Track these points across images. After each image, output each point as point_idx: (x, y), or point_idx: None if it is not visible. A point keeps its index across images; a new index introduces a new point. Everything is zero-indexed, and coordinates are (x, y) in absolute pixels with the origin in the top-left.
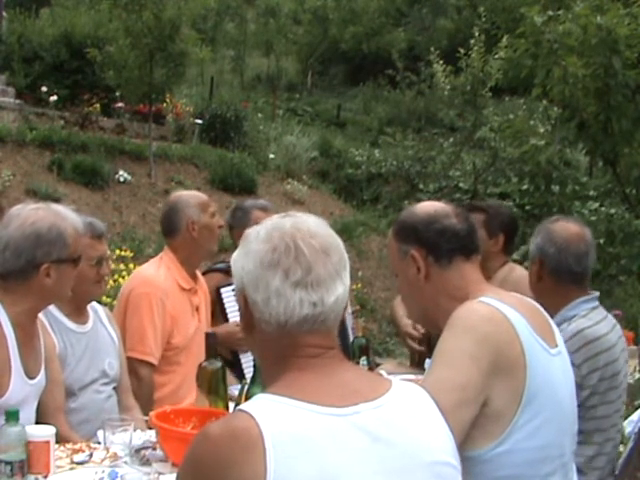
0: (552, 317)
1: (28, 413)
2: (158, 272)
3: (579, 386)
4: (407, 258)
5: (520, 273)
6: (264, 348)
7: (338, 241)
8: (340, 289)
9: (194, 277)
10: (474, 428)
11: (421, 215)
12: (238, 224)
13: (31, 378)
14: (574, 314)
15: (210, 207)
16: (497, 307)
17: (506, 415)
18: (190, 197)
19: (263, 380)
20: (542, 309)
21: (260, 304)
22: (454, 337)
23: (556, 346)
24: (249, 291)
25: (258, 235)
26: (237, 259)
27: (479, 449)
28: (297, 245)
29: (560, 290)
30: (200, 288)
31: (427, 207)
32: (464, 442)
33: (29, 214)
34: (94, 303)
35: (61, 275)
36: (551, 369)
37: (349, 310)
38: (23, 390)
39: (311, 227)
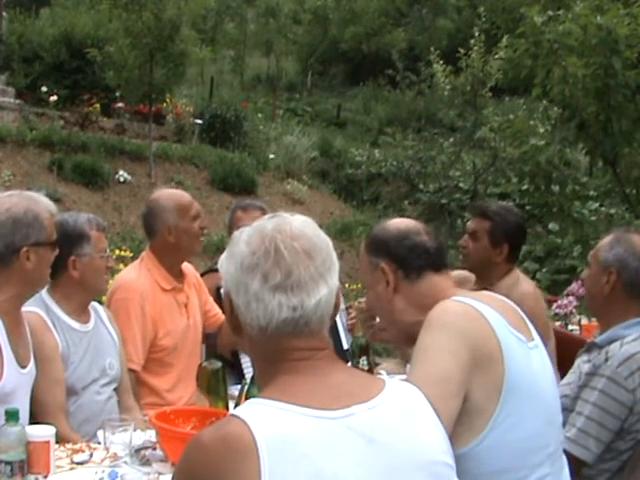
0: (604, 331)
1: (22, 404)
2: (138, 275)
3: (630, 410)
4: (377, 271)
5: (525, 290)
6: (253, 351)
7: (325, 242)
8: (323, 291)
9: (178, 275)
10: (457, 424)
11: (392, 231)
12: (228, 224)
13: (23, 367)
14: (628, 334)
15: (190, 210)
16: (471, 304)
17: (486, 409)
18: (168, 201)
19: (257, 381)
20: (516, 306)
21: (242, 308)
22: (431, 335)
23: (533, 339)
24: (232, 295)
25: (241, 237)
26: (223, 261)
27: (464, 446)
28: (277, 248)
29: (627, 304)
30: (188, 284)
31: (399, 223)
32: (454, 437)
33: (3, 201)
34: (94, 303)
35: (40, 258)
36: (529, 361)
37: (342, 307)
38: (16, 379)
39: (295, 229)
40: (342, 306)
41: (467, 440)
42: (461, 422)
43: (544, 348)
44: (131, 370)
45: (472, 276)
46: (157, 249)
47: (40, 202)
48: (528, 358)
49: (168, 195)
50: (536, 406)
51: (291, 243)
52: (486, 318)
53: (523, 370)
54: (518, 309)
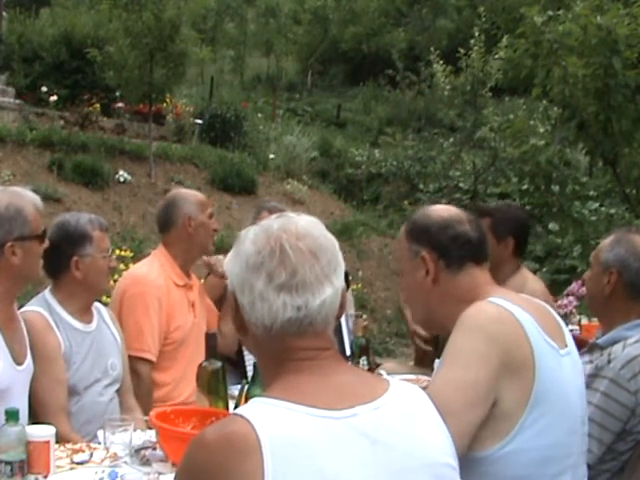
0: (606, 332)
1: (20, 402)
2: (151, 270)
3: (632, 412)
4: (417, 259)
5: (534, 287)
6: (258, 350)
7: (331, 243)
8: (328, 291)
9: (188, 274)
10: (483, 428)
11: (435, 218)
12: (251, 223)
13: (18, 364)
14: (630, 335)
15: (208, 208)
16: (505, 307)
17: (514, 415)
18: (189, 194)
19: (261, 380)
20: (552, 310)
21: (247, 307)
22: (463, 336)
23: (566, 346)
24: (237, 294)
25: (247, 237)
26: (229, 260)
27: (487, 449)
28: (282, 248)
29: (629, 305)
30: (195, 285)
31: (441, 211)
32: (472, 442)
33: None
34: (97, 303)
35: (27, 252)
36: (560, 369)
37: (351, 312)
38: (11, 375)
39: (300, 228)
40: (351, 312)
41: (491, 444)
42: (487, 426)
43: (577, 355)
44: (147, 360)
45: None
46: (173, 242)
47: (24, 196)
48: (559, 366)
49: (188, 191)
50: (563, 415)
51: (296, 243)
52: (520, 323)
53: (553, 378)
54: (554, 313)
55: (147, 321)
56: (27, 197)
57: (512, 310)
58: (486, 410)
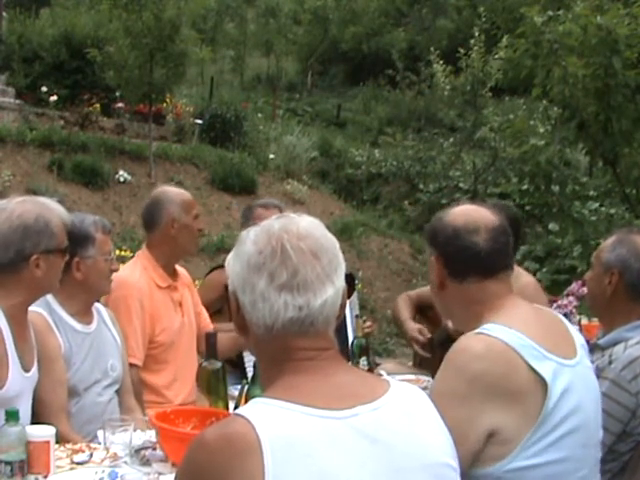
0: (607, 333)
1: (25, 407)
2: (133, 273)
3: (633, 413)
4: (431, 260)
5: (526, 280)
6: (259, 350)
7: (331, 243)
8: (330, 291)
9: (173, 274)
10: (482, 451)
11: (446, 226)
12: (243, 222)
13: (26, 371)
14: (631, 336)
15: (194, 209)
16: (498, 336)
17: (516, 438)
18: (175, 195)
19: (261, 382)
20: (559, 317)
21: (248, 307)
22: (445, 379)
23: (575, 355)
24: (239, 293)
25: (248, 237)
26: (230, 260)
27: (488, 467)
28: (284, 248)
29: (630, 306)
30: (182, 284)
31: (458, 216)
32: (477, 460)
33: (15, 207)
34: (97, 304)
35: (50, 266)
36: (570, 384)
37: (356, 313)
38: (20, 383)
39: (301, 229)
40: (356, 312)
41: (492, 463)
42: (487, 450)
43: (588, 360)
44: (133, 365)
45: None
46: (155, 243)
47: (52, 209)
48: (568, 378)
49: (174, 190)
50: (572, 430)
51: (297, 243)
52: (515, 350)
53: (562, 395)
54: (562, 321)
55: (130, 326)
56: (55, 210)
57: (505, 337)
58: (476, 446)
